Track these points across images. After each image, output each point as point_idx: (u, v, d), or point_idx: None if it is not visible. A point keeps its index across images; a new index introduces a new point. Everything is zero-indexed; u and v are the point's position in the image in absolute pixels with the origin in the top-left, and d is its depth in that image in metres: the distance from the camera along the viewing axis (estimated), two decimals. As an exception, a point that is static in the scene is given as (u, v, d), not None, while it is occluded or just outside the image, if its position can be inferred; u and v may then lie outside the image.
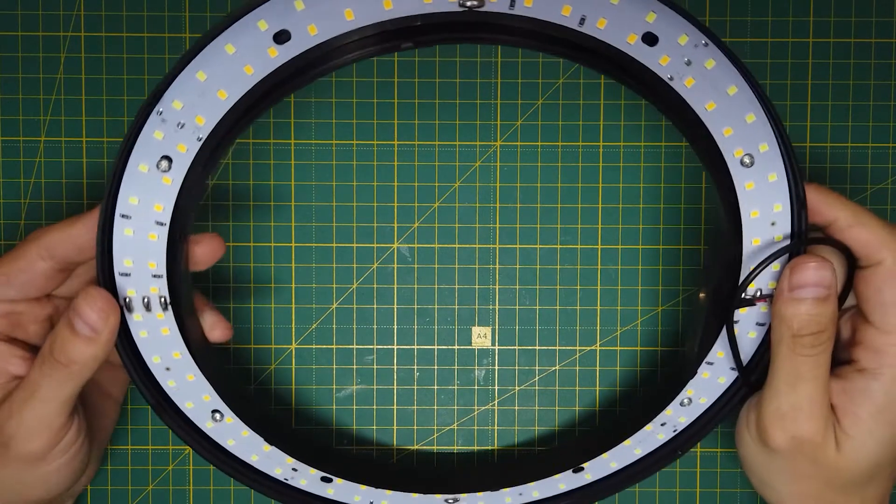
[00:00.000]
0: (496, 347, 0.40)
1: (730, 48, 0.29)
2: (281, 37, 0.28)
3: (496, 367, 0.40)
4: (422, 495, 0.36)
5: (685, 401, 0.34)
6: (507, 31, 0.29)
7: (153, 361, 0.32)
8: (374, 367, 0.40)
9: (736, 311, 0.32)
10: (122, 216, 0.30)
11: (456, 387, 0.40)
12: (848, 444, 0.31)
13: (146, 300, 0.31)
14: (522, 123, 0.39)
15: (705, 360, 0.34)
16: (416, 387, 0.40)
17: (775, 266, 0.31)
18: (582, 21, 0.29)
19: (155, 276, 0.31)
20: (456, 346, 0.40)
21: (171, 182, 0.30)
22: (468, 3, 0.28)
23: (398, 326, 0.40)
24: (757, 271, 0.31)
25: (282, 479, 0.36)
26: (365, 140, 0.39)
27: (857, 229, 0.31)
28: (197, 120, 0.29)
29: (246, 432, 0.34)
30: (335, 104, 0.39)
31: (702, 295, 0.35)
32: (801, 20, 0.39)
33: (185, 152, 0.29)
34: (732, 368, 0.34)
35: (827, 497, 0.32)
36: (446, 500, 0.36)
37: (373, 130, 0.39)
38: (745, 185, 0.31)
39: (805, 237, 0.31)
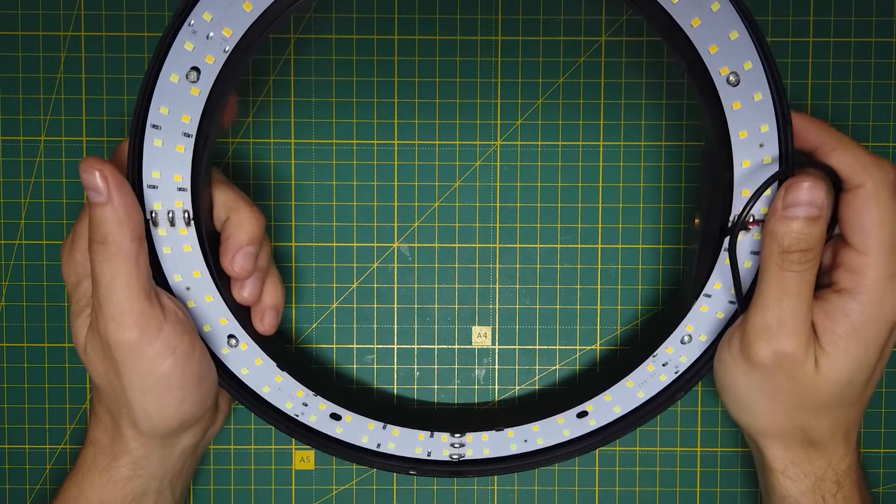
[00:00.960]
0: (496, 347, 0.40)
1: None
2: None
3: (496, 367, 0.40)
4: (428, 436, 0.36)
5: (685, 338, 0.35)
6: None
7: (175, 280, 0.33)
8: (375, 366, 0.40)
9: (730, 238, 0.33)
10: (154, 126, 0.31)
11: (456, 386, 0.40)
12: (825, 360, 0.32)
13: (171, 214, 0.32)
14: (522, 123, 0.39)
15: (703, 292, 0.34)
16: (416, 386, 0.40)
17: (766, 191, 0.32)
18: None
19: (180, 188, 0.32)
20: (456, 346, 0.40)
21: (199, 93, 0.31)
22: None
23: (398, 326, 0.40)
24: (751, 203, 0.31)
25: (292, 414, 0.36)
26: (365, 140, 0.39)
27: (840, 153, 0.32)
28: (224, 31, 0.30)
29: (259, 360, 0.35)
30: (335, 104, 0.39)
31: (696, 221, 0.35)
32: (801, 20, 0.39)
33: (213, 63, 0.30)
34: (731, 302, 0.34)
35: (799, 416, 0.33)
36: (452, 444, 0.36)
37: (373, 130, 0.39)
38: (733, 105, 0.31)
39: (792, 160, 0.32)
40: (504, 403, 0.40)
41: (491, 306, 0.40)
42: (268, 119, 0.39)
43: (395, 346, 0.40)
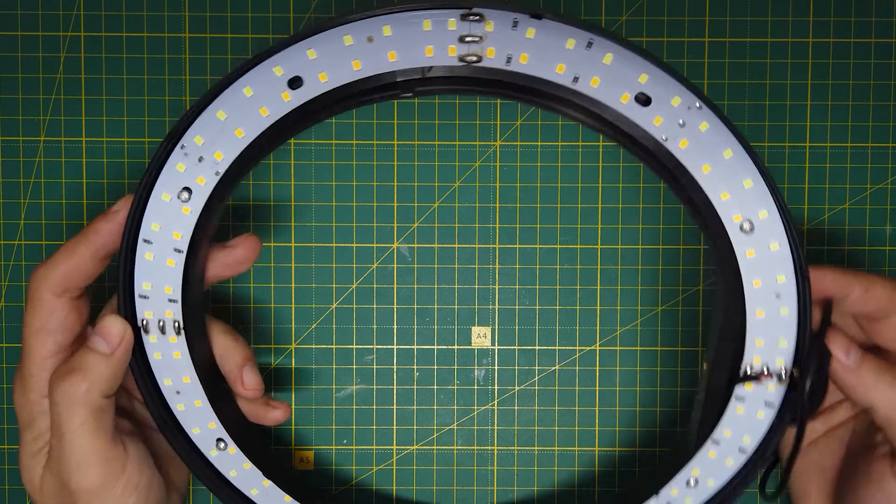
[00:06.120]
0: (496, 347, 0.40)
1: (724, 112, 0.29)
2: (295, 82, 0.30)
3: (496, 367, 0.40)
4: None
5: (691, 481, 0.33)
6: (503, 86, 0.30)
7: (164, 384, 0.33)
8: (374, 367, 0.40)
9: (742, 388, 0.32)
10: (145, 241, 0.32)
11: (456, 387, 0.40)
12: None
13: (161, 323, 0.32)
14: (522, 123, 0.39)
15: (711, 437, 0.32)
16: (415, 387, 0.40)
17: (782, 342, 0.31)
18: (576, 79, 0.29)
19: (171, 300, 0.32)
20: (456, 346, 0.40)
21: (190, 212, 0.31)
22: (467, 59, 0.29)
23: (398, 326, 0.40)
24: (803, 389, 0.30)
25: None
26: (365, 140, 0.39)
27: (873, 289, 0.31)
28: (216, 155, 0.31)
29: (247, 465, 0.35)
30: (335, 104, 0.39)
31: (705, 366, 0.34)
32: (801, 20, 0.39)
33: (204, 185, 0.31)
34: (742, 450, 0.32)
35: None
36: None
37: (373, 130, 0.39)
38: (746, 253, 0.30)
39: (827, 321, 0.31)
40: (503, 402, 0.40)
41: (490, 307, 0.40)
42: (267, 119, 0.39)
43: (395, 347, 0.40)
